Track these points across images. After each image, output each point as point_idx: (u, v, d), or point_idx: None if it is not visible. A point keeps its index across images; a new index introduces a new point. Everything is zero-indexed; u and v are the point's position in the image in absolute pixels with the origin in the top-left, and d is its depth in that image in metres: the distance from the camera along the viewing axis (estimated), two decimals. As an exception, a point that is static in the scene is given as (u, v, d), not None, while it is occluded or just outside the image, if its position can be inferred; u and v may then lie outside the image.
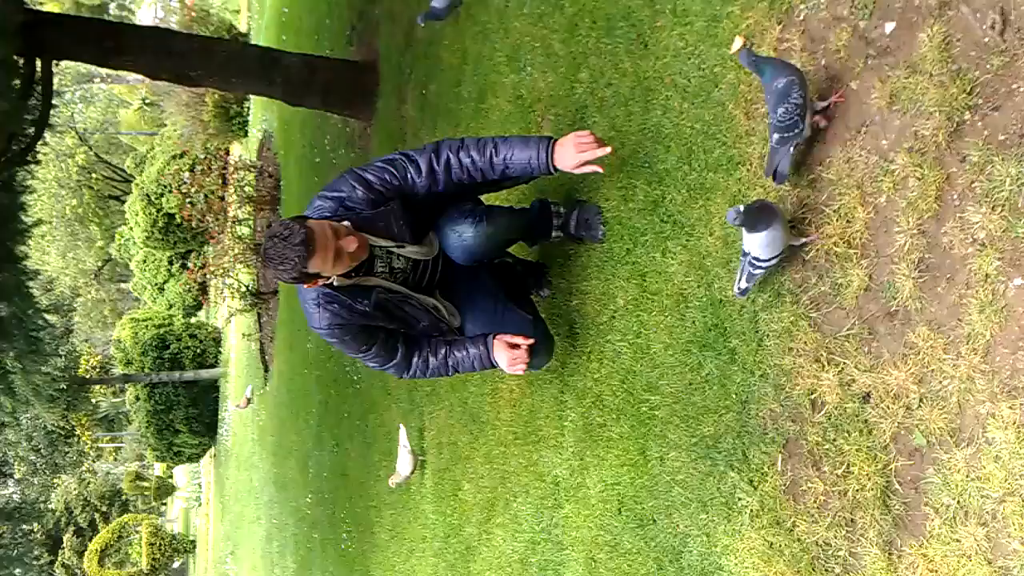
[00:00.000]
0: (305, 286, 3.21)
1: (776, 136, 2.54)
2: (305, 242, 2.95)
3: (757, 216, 2.51)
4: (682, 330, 3.15)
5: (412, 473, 5.45)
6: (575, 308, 3.76)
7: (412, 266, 3.41)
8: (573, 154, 3.10)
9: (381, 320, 3.40)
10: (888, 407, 2.41)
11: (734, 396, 2.90)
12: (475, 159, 3.21)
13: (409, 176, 3.24)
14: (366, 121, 7.27)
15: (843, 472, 2.51)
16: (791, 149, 2.57)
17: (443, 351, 3.54)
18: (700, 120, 3.11)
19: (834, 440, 2.54)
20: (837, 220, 2.57)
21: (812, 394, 2.62)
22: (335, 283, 3.22)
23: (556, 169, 3.16)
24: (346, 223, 3.16)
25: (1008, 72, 2.17)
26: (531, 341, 3.46)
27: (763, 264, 2.62)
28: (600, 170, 3.16)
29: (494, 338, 3.49)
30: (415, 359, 3.56)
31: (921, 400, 2.34)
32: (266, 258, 3.04)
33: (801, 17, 2.74)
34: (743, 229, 2.57)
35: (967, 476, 2.21)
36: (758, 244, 2.57)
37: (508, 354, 3.45)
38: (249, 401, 14.24)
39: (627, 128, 3.47)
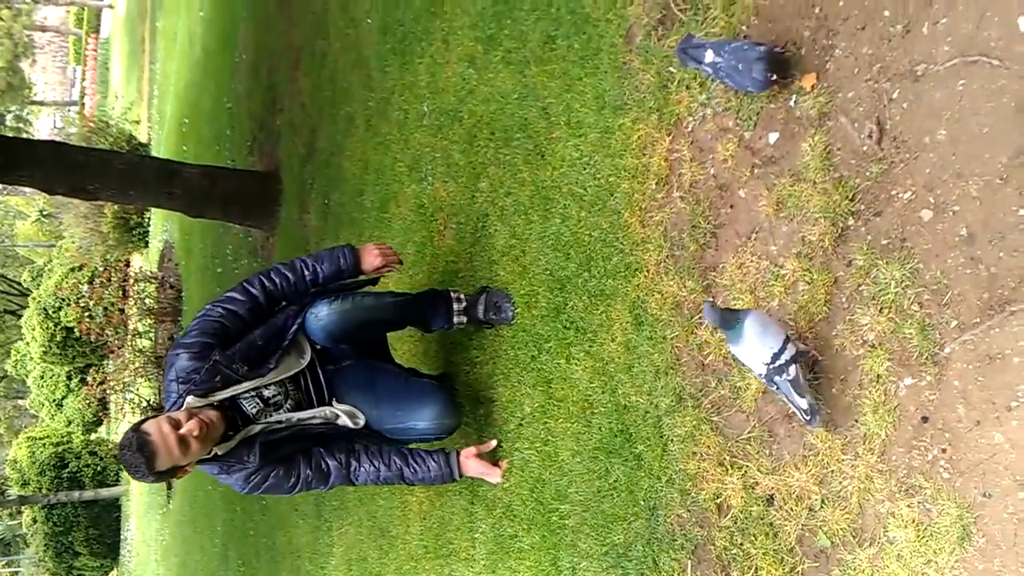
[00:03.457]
0: (176, 478, 3.23)
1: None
2: (141, 448, 2.97)
3: (731, 313, 2.30)
4: (589, 437, 3.15)
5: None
6: (482, 416, 3.74)
7: (290, 385, 3.34)
8: (375, 256, 3.43)
9: (288, 449, 3.33)
10: (791, 509, 2.43)
11: (642, 502, 2.90)
12: (285, 273, 3.35)
13: (224, 311, 3.26)
14: (268, 231, 7.22)
15: (752, 576, 2.52)
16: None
17: (397, 463, 3.44)
18: (598, 228, 3.17)
19: (741, 544, 2.55)
20: (733, 325, 2.62)
21: (718, 498, 2.63)
22: (219, 452, 3.18)
23: (361, 271, 3.44)
24: (189, 399, 3.11)
25: (887, 179, 2.27)
26: (492, 443, 3.55)
27: (785, 357, 2.24)
28: (398, 266, 3.59)
29: (458, 455, 3.45)
30: (361, 468, 3.43)
31: (823, 501, 2.37)
32: (125, 469, 3.12)
33: (689, 128, 2.83)
34: (730, 347, 2.34)
35: (871, 576, 2.24)
36: (755, 343, 2.25)
37: (480, 467, 3.45)
38: None
39: (528, 235, 3.51)
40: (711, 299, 2.32)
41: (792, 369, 2.24)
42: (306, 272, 3.36)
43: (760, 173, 2.60)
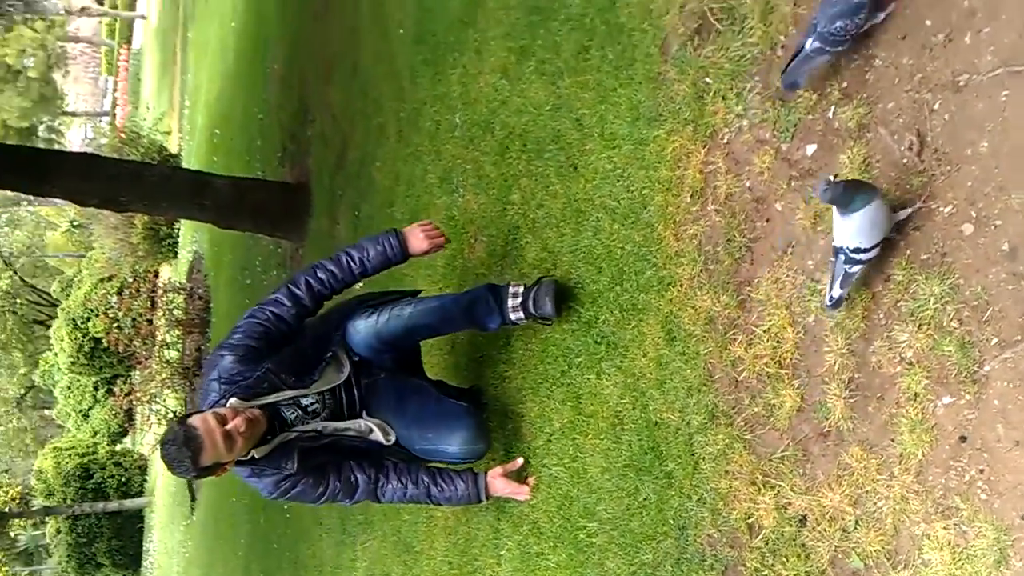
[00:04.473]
0: (216, 476, 3.20)
1: (816, 45, 2.31)
2: (187, 442, 2.97)
3: (855, 190, 2.14)
4: (618, 453, 3.11)
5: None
6: (510, 431, 3.71)
7: (328, 396, 3.35)
8: (421, 240, 3.35)
9: (322, 459, 3.34)
10: (825, 530, 2.38)
11: (672, 521, 2.85)
12: (333, 271, 3.31)
13: (271, 314, 3.25)
14: (298, 242, 7.25)
15: (784, 597, 2.47)
16: (819, 64, 2.39)
17: (425, 481, 3.46)
18: (630, 241, 3.14)
19: (772, 565, 2.50)
20: (767, 340, 2.58)
21: (749, 518, 2.58)
22: (256, 455, 3.19)
23: (408, 255, 3.38)
24: (232, 400, 3.12)
25: (927, 192, 2.22)
26: (519, 462, 3.54)
27: (863, 256, 2.21)
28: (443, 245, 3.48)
29: (486, 476, 3.47)
30: (389, 485, 3.45)
31: (857, 522, 2.31)
32: (165, 464, 3.09)
33: (725, 140, 2.79)
34: (835, 215, 2.19)
35: (908, 599, 2.18)
36: (858, 228, 2.16)
37: (508, 487, 3.48)
38: None
39: (559, 249, 3.49)
40: (832, 176, 2.18)
41: (858, 269, 2.22)
42: (352, 265, 3.32)
43: (797, 186, 2.56)
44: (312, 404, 3.30)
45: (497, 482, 3.47)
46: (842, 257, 2.22)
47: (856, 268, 2.22)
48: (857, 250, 2.19)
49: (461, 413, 3.55)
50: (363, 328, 3.38)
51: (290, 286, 3.30)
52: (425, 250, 3.38)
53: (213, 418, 3.01)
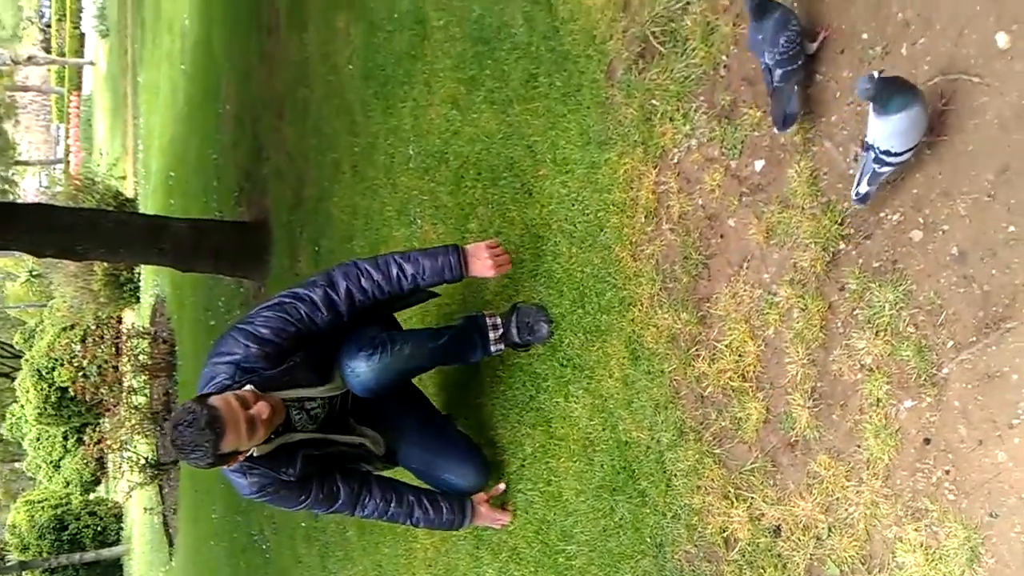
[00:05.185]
0: (227, 467, 2.93)
1: (779, 72, 2.30)
2: (211, 424, 2.68)
3: (896, 91, 2.01)
4: (592, 475, 3.13)
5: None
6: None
7: (327, 403, 3.18)
8: (488, 267, 3.07)
9: (317, 468, 3.18)
10: (799, 539, 2.41)
11: (648, 540, 2.87)
12: (379, 282, 3.02)
13: (304, 316, 2.98)
14: (259, 281, 7.21)
15: (763, 609, 2.49)
16: (795, 87, 2.35)
17: (409, 500, 3.33)
18: (589, 264, 3.16)
19: (751, 577, 2.53)
20: (729, 355, 2.61)
21: (724, 532, 2.61)
22: (255, 453, 2.95)
23: (468, 276, 3.10)
24: (249, 387, 2.89)
25: (875, 201, 2.26)
26: (501, 487, 3.50)
27: (895, 160, 2.11)
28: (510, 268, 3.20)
29: (472, 503, 3.44)
30: (371, 500, 3.29)
31: (830, 529, 2.34)
32: (176, 449, 2.79)
33: (675, 160, 2.83)
34: (871, 111, 2.08)
35: (884, 603, 2.21)
36: (892, 131, 2.06)
37: (492, 511, 3.45)
38: None
39: (520, 274, 3.50)
40: (877, 72, 1.99)
41: (887, 171, 2.11)
42: (403, 281, 3.04)
43: (748, 201, 2.60)
44: (314, 408, 3.11)
45: (482, 508, 3.44)
46: (872, 155, 2.12)
47: (885, 169, 2.12)
48: (888, 152, 2.09)
49: (468, 447, 3.53)
50: (363, 372, 3.09)
51: (328, 290, 3.01)
52: (488, 276, 3.14)
53: (236, 400, 2.77)
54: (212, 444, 2.69)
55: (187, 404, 2.78)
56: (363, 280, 3.02)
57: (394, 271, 3.03)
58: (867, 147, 2.12)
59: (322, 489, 3.20)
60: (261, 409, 2.78)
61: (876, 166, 2.12)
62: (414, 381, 3.58)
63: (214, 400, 2.76)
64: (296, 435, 3.07)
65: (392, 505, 3.31)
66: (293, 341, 2.98)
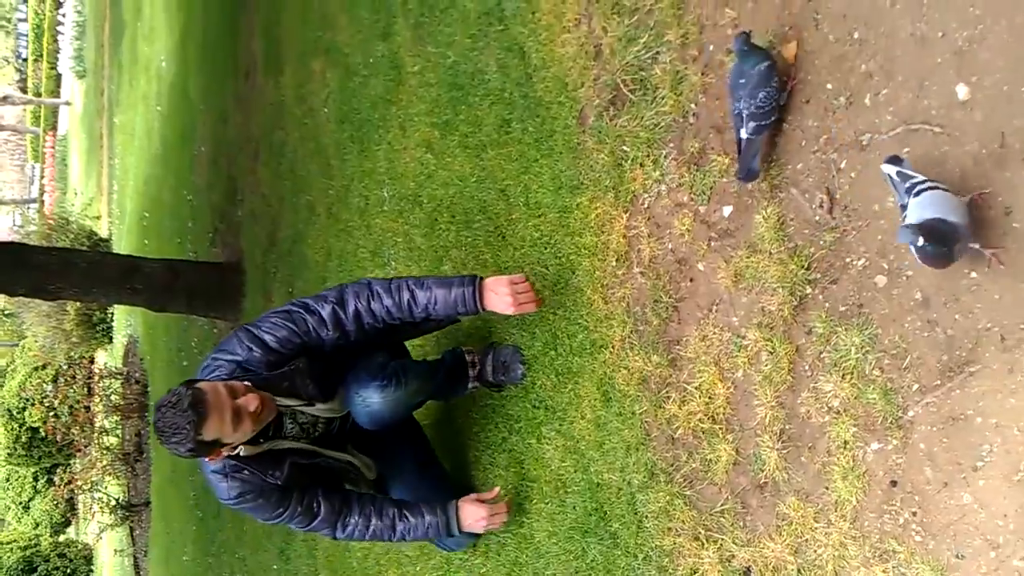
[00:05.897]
0: (208, 460, 2.87)
1: (752, 125, 2.35)
2: (194, 405, 2.65)
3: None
4: (564, 516, 3.13)
5: None
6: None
7: (324, 422, 3.16)
8: (507, 305, 2.94)
9: (303, 480, 3.13)
10: (769, 581, 2.42)
11: (620, 581, 2.88)
12: (389, 308, 2.95)
13: (311, 329, 2.95)
14: (233, 321, 7.19)
15: (734, 651, 2.50)
16: (761, 142, 2.42)
17: (391, 513, 3.24)
18: (561, 306, 3.19)
19: (722, 619, 2.54)
20: (700, 397, 2.64)
21: (695, 573, 2.62)
22: (242, 452, 2.92)
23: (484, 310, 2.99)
24: (245, 382, 2.87)
25: (840, 247, 2.31)
26: (496, 491, 3.34)
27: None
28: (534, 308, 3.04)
29: (457, 502, 3.29)
30: (351, 518, 3.22)
31: (799, 571, 2.36)
32: (157, 432, 2.75)
33: (646, 205, 2.87)
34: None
35: (853, 645, 2.23)
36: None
37: (481, 510, 3.26)
38: None
39: (493, 315, 3.52)
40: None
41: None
42: (414, 309, 2.95)
43: (717, 246, 2.64)
44: (307, 422, 3.09)
45: (469, 508, 3.28)
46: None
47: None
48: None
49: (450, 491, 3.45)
50: (376, 403, 3.03)
51: (337, 308, 2.96)
52: (507, 314, 3.00)
53: (224, 388, 2.75)
54: (193, 426, 2.67)
55: (174, 387, 2.76)
56: (373, 303, 2.96)
57: (405, 297, 2.95)
58: (910, 194, 1.99)
59: (301, 502, 3.14)
60: (249, 400, 2.76)
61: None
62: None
63: (201, 384, 2.77)
64: (285, 442, 3.04)
65: (373, 520, 3.23)
66: (297, 351, 2.97)
